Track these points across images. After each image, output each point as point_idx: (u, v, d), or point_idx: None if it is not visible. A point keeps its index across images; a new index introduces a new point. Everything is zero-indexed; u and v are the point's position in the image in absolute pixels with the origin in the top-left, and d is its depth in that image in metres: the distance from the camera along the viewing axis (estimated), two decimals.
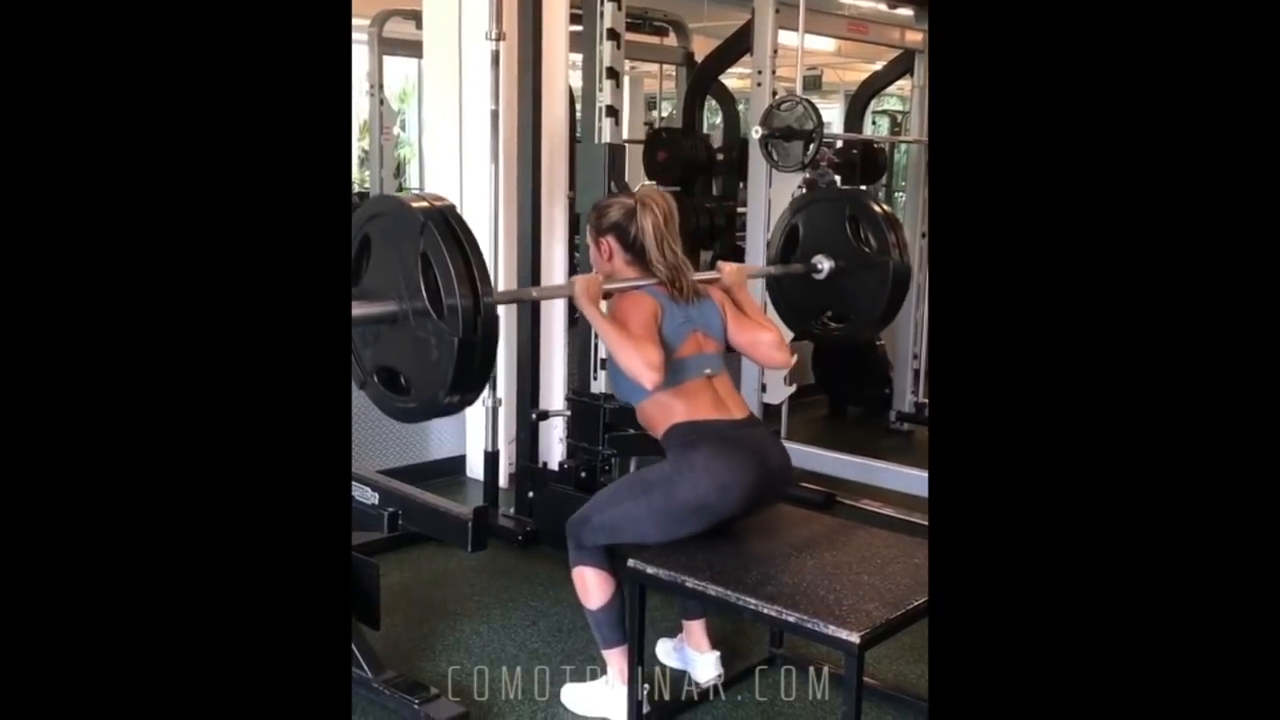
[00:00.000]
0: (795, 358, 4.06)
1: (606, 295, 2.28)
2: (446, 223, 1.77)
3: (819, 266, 2.72)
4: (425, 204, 1.80)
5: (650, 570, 2.12)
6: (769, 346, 2.33)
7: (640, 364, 2.06)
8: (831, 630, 1.85)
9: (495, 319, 1.80)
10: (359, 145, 6.54)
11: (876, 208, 2.69)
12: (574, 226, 3.53)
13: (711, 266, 4.94)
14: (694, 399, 2.20)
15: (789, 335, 4.11)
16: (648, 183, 4.19)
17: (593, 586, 2.22)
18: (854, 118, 5.50)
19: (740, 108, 5.59)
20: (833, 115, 9.03)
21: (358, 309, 1.78)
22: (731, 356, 2.43)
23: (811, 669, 2.48)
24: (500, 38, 3.24)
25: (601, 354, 3.22)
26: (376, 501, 2.24)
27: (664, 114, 6.64)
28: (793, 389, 4.16)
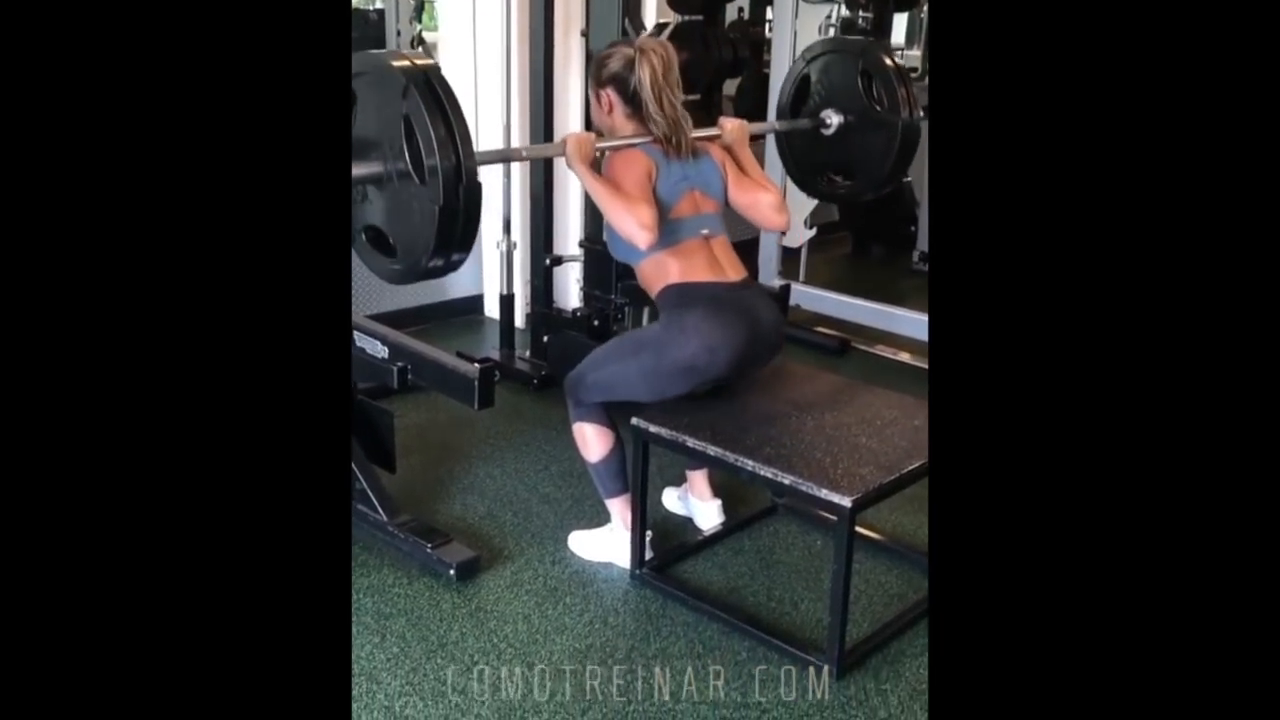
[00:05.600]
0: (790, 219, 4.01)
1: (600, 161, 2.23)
2: (429, 86, 1.74)
3: (827, 121, 2.65)
4: (408, 64, 1.77)
5: (653, 429, 2.17)
6: (769, 208, 2.30)
7: (633, 225, 2.05)
8: (825, 494, 1.91)
9: (477, 185, 1.78)
10: None
11: (888, 61, 2.59)
12: (589, 63, 3.42)
13: (735, 104, 4.80)
14: (689, 260, 2.19)
15: (809, 204, 4.04)
16: (650, 31, 3.97)
17: (592, 441, 2.28)
18: None
19: None
20: None
21: None
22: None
23: (810, 519, 2.56)
24: None
25: None
26: (387, 356, 2.28)
27: None
28: (812, 232, 4.12)
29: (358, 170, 1.82)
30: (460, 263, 1.89)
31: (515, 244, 3.48)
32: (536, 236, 3.48)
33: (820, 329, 3.97)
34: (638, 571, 2.30)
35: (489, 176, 3.85)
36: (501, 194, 3.43)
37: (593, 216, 3.42)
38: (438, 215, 1.75)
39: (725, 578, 2.35)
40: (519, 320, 3.71)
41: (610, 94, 2.23)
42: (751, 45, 4.86)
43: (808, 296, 4.04)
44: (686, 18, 4.64)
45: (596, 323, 3.19)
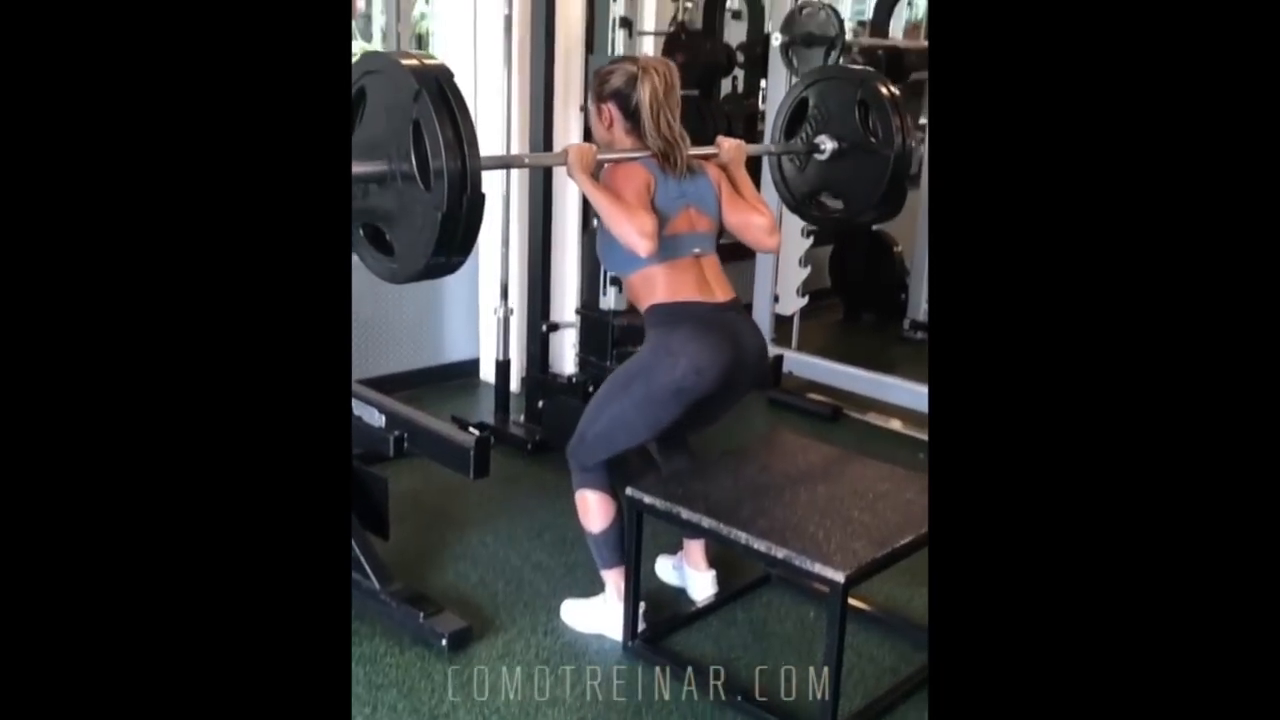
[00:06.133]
0: (798, 262, 4.05)
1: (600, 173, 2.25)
2: (440, 92, 1.74)
3: (822, 147, 2.66)
4: (419, 65, 1.77)
5: (648, 499, 2.18)
6: (761, 230, 2.32)
7: (634, 232, 2.06)
8: (818, 569, 1.92)
9: (481, 195, 1.78)
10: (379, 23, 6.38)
11: (886, 92, 2.61)
12: (587, 136, 3.49)
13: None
14: (678, 278, 2.21)
15: (804, 240, 4.12)
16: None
17: (595, 510, 2.29)
18: (883, 14, 5.32)
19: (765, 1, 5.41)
20: None
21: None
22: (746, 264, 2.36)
23: (804, 590, 2.56)
24: None
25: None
26: (383, 424, 2.30)
27: None
28: (804, 301, 4.17)
29: (361, 168, 1.82)
30: (459, 266, 1.89)
31: (512, 310, 3.52)
32: (534, 303, 3.52)
33: (812, 395, 4.00)
34: (630, 643, 2.30)
35: (487, 241, 3.91)
36: (500, 261, 3.48)
37: (589, 283, 3.46)
38: (440, 221, 1.75)
39: (718, 649, 2.34)
40: (514, 385, 3.73)
41: (611, 108, 2.24)
42: (745, 118, 4.97)
43: (800, 364, 4.08)
44: (682, 92, 4.74)
45: (592, 388, 3.20)
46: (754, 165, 2.76)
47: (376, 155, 1.82)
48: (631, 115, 2.21)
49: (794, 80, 3.92)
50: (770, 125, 2.95)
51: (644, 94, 2.18)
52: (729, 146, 2.35)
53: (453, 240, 1.78)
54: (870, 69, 2.93)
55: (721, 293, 2.26)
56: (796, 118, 2.74)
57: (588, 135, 3.43)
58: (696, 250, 2.24)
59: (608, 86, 2.24)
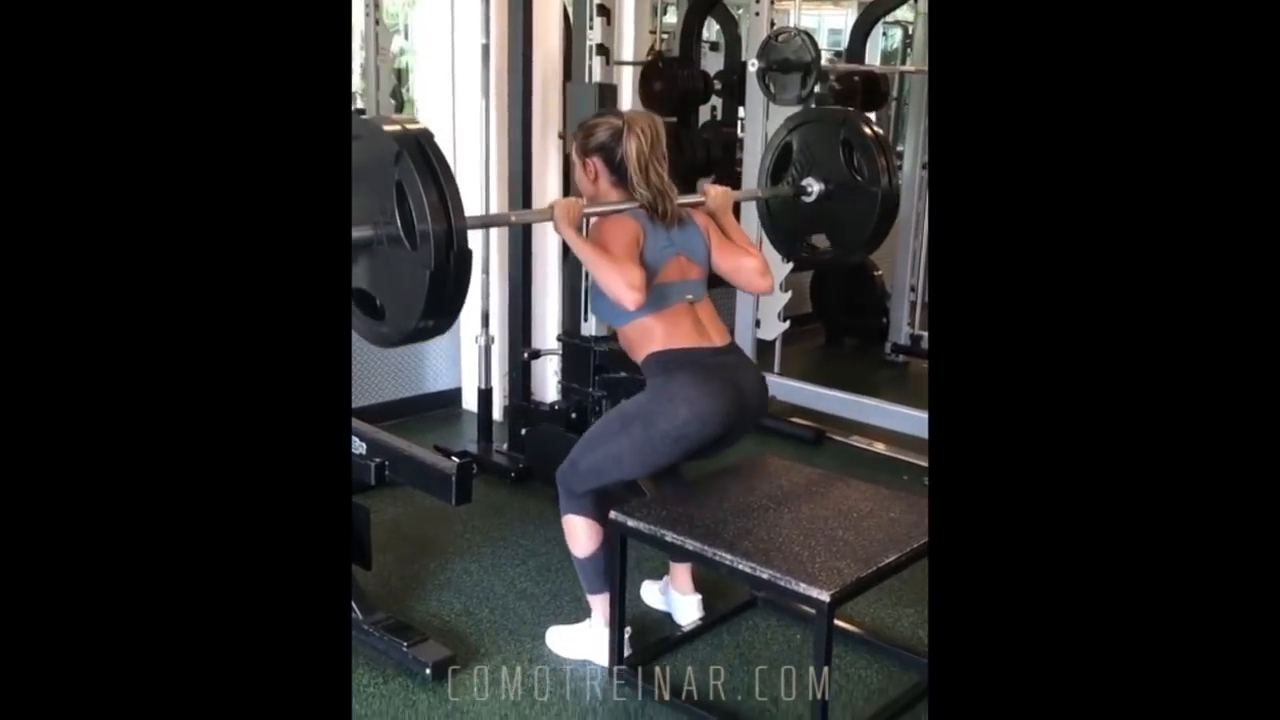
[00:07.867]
0: (778, 286, 4.09)
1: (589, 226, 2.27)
2: (422, 152, 1.76)
3: (809, 189, 2.69)
4: (399, 129, 1.79)
5: (631, 523, 2.17)
6: (752, 273, 2.31)
7: (621, 284, 2.05)
8: (803, 588, 1.91)
9: (468, 251, 1.80)
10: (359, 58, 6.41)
11: (869, 131, 2.64)
12: (567, 165, 3.51)
13: None
14: (674, 325, 2.21)
15: (784, 265, 4.14)
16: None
17: (581, 535, 2.27)
18: (858, 41, 5.38)
19: (741, 30, 5.47)
20: (843, 22, 8.87)
21: None
22: (728, 291, 2.37)
23: (790, 613, 2.55)
24: None
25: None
26: (364, 452, 2.28)
27: (670, 21, 6.45)
28: (786, 325, 4.18)
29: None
30: (448, 326, 1.91)
31: (493, 338, 3.51)
32: (515, 330, 3.52)
33: (796, 419, 4.00)
34: (616, 668, 2.28)
35: None
36: (480, 289, 3.48)
37: (570, 310, 3.46)
38: (428, 280, 1.76)
39: (704, 673, 2.33)
40: (497, 413, 3.71)
41: (596, 162, 2.24)
42: (724, 145, 5.00)
43: (783, 388, 4.08)
44: (661, 119, 4.78)
45: (574, 415, 3.21)
46: (739, 207, 2.77)
47: (361, 220, 1.84)
48: (618, 169, 2.22)
49: (771, 107, 3.97)
50: (748, 157, 2.98)
51: (630, 148, 2.18)
52: (715, 194, 2.36)
53: (442, 298, 1.80)
54: (851, 109, 2.97)
55: (718, 336, 2.26)
56: (782, 162, 2.77)
57: (566, 162, 3.45)
58: (689, 297, 2.24)
59: (593, 141, 2.24)
